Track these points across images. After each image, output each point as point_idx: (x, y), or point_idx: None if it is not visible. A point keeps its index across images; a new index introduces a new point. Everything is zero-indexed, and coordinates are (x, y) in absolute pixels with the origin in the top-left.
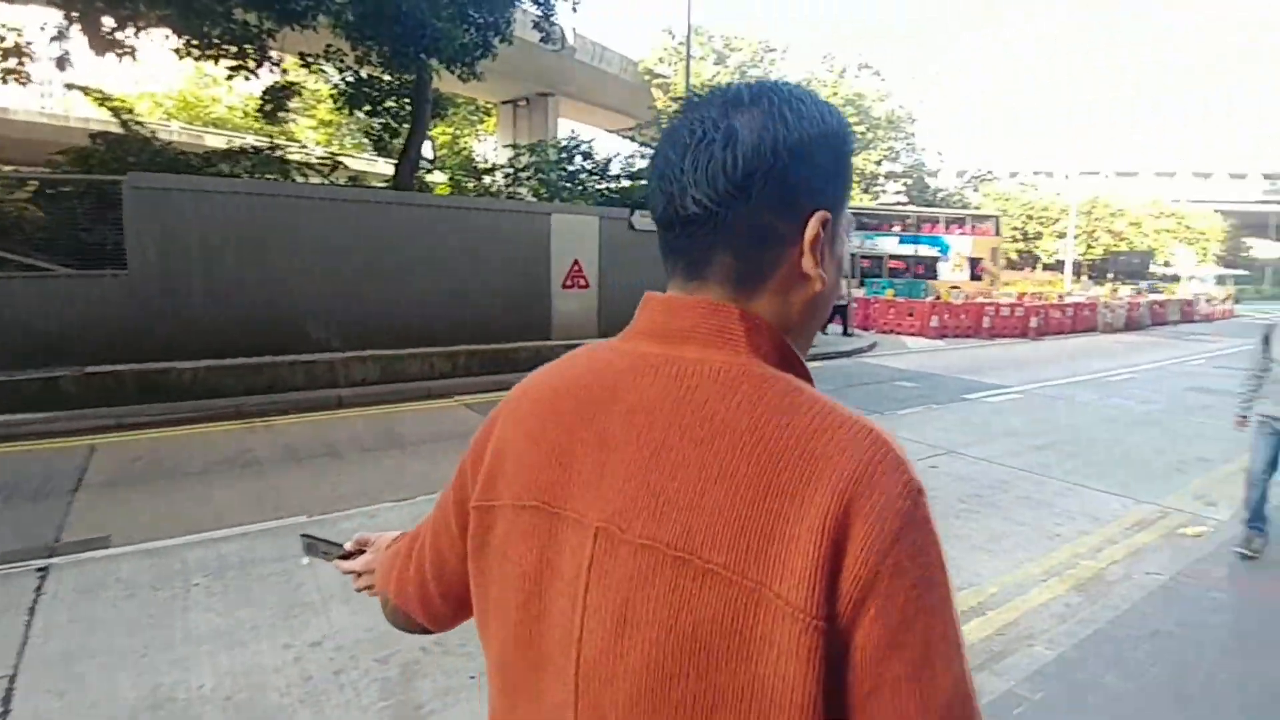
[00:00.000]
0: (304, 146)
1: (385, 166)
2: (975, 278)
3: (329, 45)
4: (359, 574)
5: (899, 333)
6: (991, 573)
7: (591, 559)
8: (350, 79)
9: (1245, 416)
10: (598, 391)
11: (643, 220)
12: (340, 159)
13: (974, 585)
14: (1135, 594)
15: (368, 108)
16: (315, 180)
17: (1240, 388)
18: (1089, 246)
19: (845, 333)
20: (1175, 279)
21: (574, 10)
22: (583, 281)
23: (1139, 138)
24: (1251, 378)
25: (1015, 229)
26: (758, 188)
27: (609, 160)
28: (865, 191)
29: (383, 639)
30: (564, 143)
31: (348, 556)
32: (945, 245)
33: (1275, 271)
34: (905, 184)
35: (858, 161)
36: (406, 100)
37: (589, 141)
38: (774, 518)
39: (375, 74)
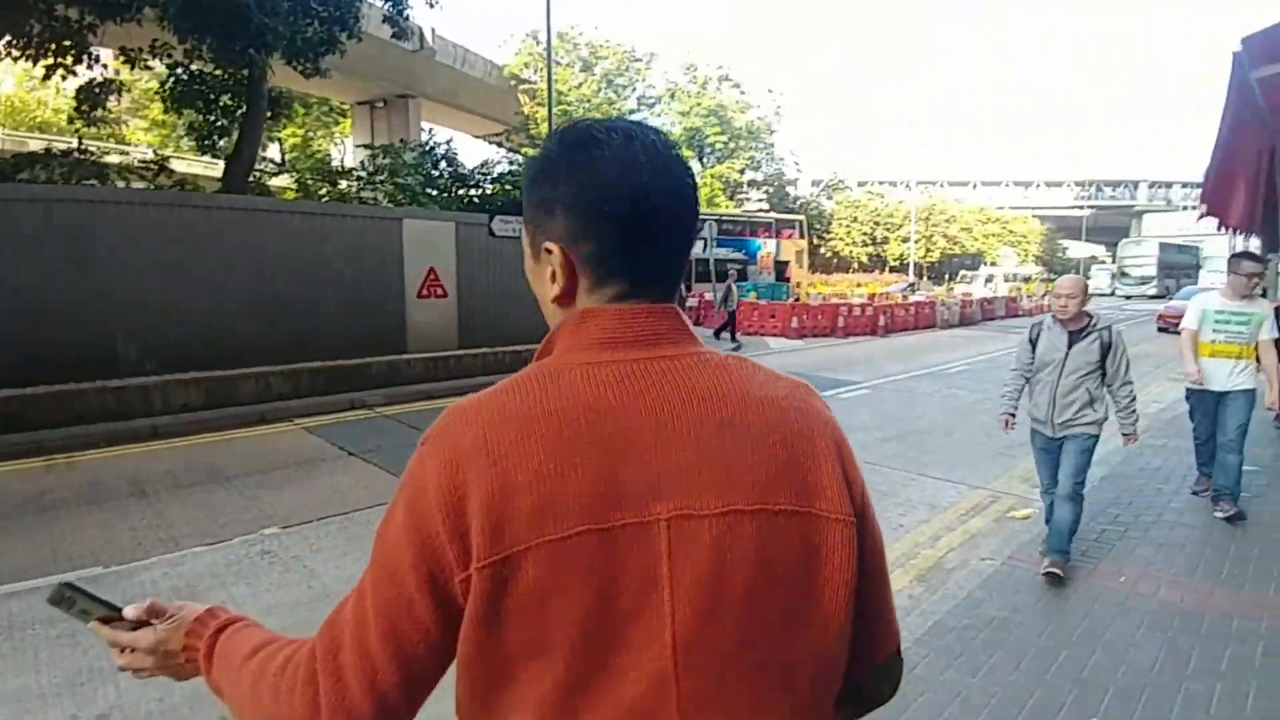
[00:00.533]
0: (125, 148)
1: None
2: (783, 280)
3: (155, 40)
4: (128, 649)
5: (763, 334)
6: None
7: (669, 545)
8: (179, 75)
9: (1012, 414)
10: (606, 405)
11: (503, 226)
12: (169, 161)
13: None
14: (972, 581)
15: (199, 105)
16: (139, 185)
17: (1005, 386)
18: (928, 250)
19: (734, 340)
20: (958, 278)
21: (431, 6)
22: (440, 290)
23: (969, 149)
24: (1018, 377)
25: (866, 234)
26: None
27: (483, 165)
28: (731, 199)
29: (174, 710)
30: (424, 146)
31: (112, 620)
32: (756, 249)
33: (1084, 269)
34: (767, 192)
35: (722, 170)
36: (244, 98)
37: (448, 144)
38: (804, 457)
39: (207, 70)
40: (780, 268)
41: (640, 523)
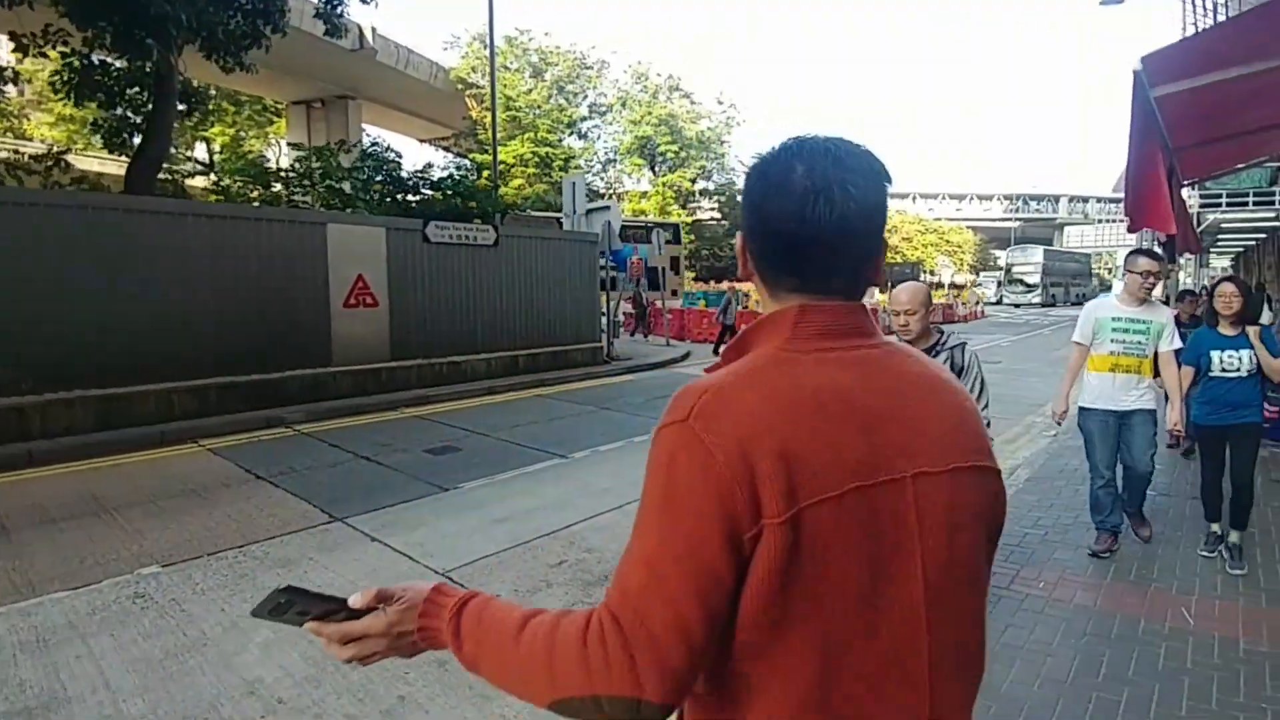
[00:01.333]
0: (21, 144)
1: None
2: (655, 286)
3: (49, 25)
4: (357, 639)
5: (711, 340)
6: None
7: (915, 496)
8: (74, 64)
9: None
10: (852, 386)
11: (439, 232)
12: (69, 157)
13: None
14: None
15: (100, 98)
16: (31, 183)
17: None
18: None
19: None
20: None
21: (366, 3)
22: (370, 299)
23: (911, 162)
24: None
25: None
26: (881, 230)
27: (423, 169)
28: (683, 208)
29: None
30: (361, 147)
31: (330, 615)
32: (627, 254)
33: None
34: (719, 201)
35: (674, 179)
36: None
37: (386, 147)
38: (973, 423)
39: (110, 60)
40: (651, 274)
41: (893, 480)
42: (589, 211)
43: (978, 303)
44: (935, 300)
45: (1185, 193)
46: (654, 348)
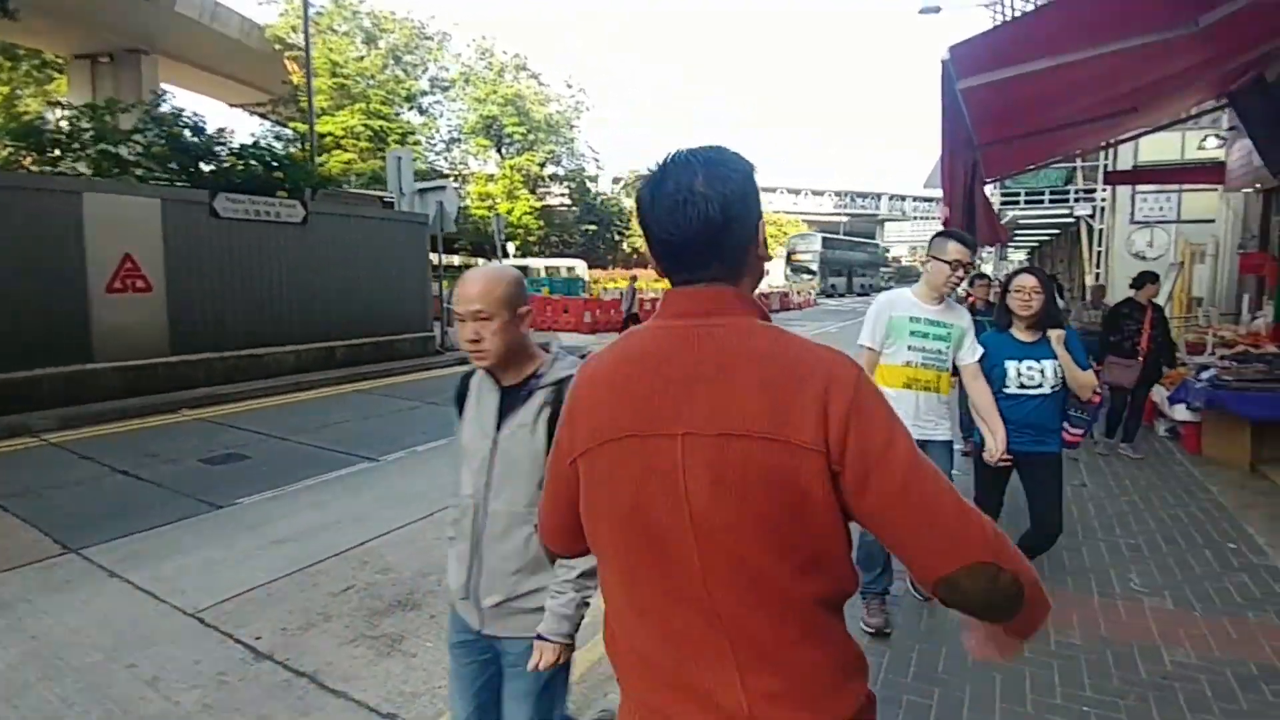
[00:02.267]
0: None
1: None
2: None
3: None
4: None
5: (556, 329)
6: None
7: (683, 453)
8: None
9: None
10: (658, 354)
11: (231, 206)
12: None
13: None
14: None
15: None
16: None
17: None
18: None
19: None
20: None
21: None
22: (141, 283)
23: (756, 156)
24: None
25: None
26: (733, 223)
27: (219, 133)
28: (532, 193)
29: None
30: (144, 106)
31: None
32: None
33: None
34: (569, 187)
35: (522, 162)
36: None
37: (176, 108)
38: (789, 400)
39: None
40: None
41: (669, 434)
42: (421, 191)
43: (810, 291)
44: (775, 289)
45: (988, 189)
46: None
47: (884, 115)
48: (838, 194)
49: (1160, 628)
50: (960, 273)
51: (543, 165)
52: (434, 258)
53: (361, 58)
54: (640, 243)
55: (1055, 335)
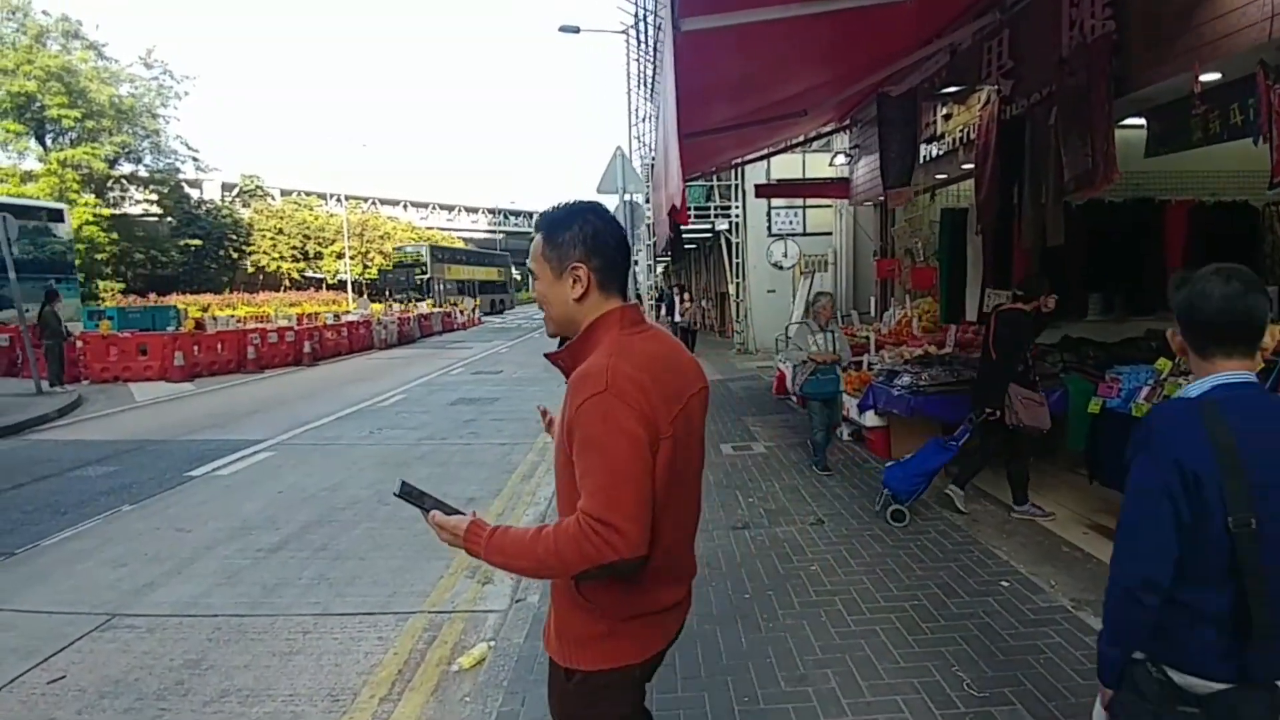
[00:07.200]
0: None
1: None
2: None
3: None
4: (448, 531)
5: (129, 379)
6: None
7: (696, 406)
8: None
9: None
10: (660, 350)
11: None
12: None
13: None
14: None
15: None
16: None
17: None
18: (365, 267)
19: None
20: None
21: None
22: None
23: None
24: None
25: (295, 248)
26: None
27: None
28: (98, 196)
29: None
30: None
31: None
32: None
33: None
34: (158, 192)
35: (78, 156)
36: None
37: None
38: (697, 363)
39: None
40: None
41: (691, 396)
42: None
43: (474, 310)
44: (433, 309)
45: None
46: (19, 396)
47: (535, 131)
48: (492, 211)
49: None
50: None
51: (113, 163)
52: None
53: None
54: (267, 260)
55: None
